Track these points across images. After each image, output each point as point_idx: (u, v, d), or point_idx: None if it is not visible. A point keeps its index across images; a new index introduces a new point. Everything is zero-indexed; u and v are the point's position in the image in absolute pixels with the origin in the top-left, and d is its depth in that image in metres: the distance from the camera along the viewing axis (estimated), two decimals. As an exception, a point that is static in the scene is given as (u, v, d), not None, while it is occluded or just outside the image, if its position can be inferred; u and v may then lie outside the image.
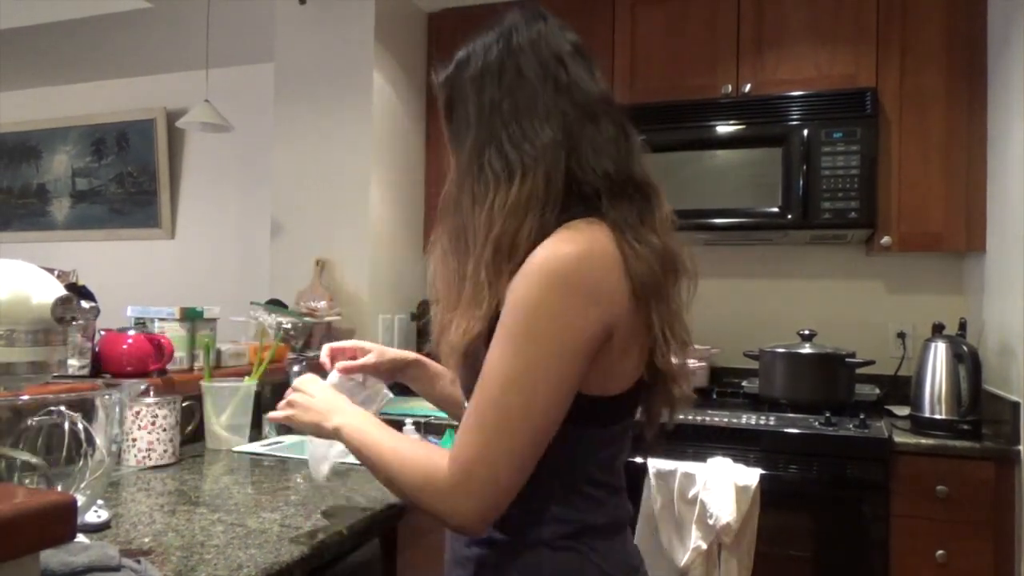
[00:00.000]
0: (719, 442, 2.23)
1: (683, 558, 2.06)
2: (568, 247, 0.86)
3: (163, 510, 1.27)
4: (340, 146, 2.79)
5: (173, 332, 1.86)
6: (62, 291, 1.01)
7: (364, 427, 1.00)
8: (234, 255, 3.80)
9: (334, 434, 1.03)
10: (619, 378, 0.92)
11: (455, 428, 0.92)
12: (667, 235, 0.95)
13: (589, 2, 2.80)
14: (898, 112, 2.45)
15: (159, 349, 1.77)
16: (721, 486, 2.05)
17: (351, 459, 1.07)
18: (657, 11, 2.72)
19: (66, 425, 0.94)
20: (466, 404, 0.92)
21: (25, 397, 0.96)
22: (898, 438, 2.12)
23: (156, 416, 1.59)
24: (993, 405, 2.21)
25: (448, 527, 0.90)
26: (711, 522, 2.02)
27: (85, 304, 1.49)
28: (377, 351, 1.27)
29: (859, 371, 2.45)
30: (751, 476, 2.07)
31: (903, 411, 2.40)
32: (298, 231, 2.84)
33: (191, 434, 1.77)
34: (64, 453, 0.94)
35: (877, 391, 2.52)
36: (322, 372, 1.25)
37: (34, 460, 0.87)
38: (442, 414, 1.36)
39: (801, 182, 2.43)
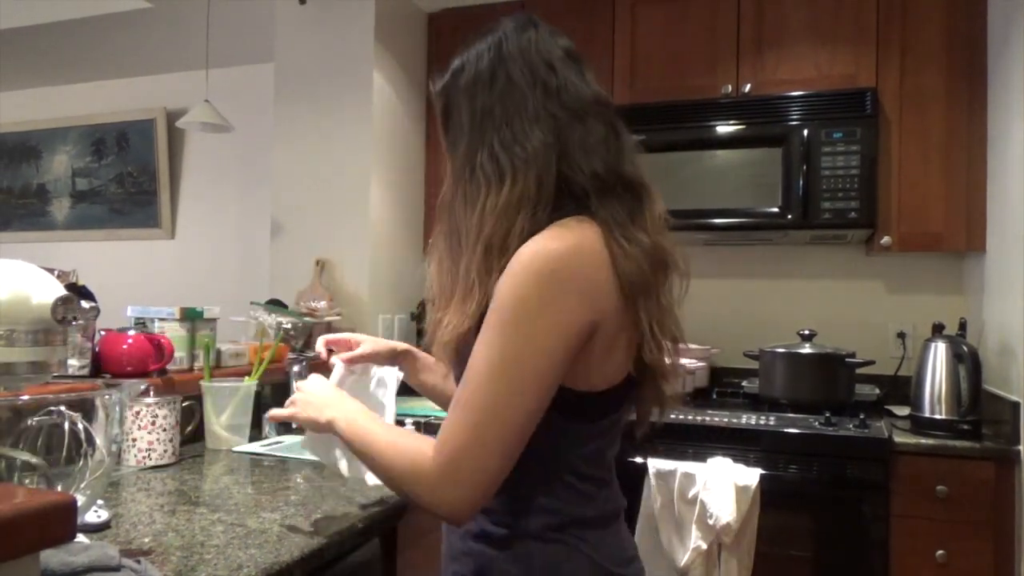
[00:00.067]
0: (719, 442, 2.23)
1: (683, 558, 2.06)
2: (555, 243, 0.88)
3: (163, 510, 1.27)
4: (340, 146, 2.79)
5: (173, 332, 1.86)
6: (62, 291, 1.01)
7: (356, 418, 1.02)
8: (234, 255, 3.80)
9: (328, 426, 1.05)
10: (606, 373, 0.93)
11: None
12: (658, 233, 0.97)
13: (589, 2, 2.80)
14: (898, 112, 2.45)
15: (159, 349, 1.77)
16: (721, 486, 2.05)
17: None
18: (657, 11, 2.72)
19: (66, 425, 0.94)
20: None
21: (25, 397, 0.96)
22: (898, 438, 2.12)
23: (156, 416, 1.59)
24: (993, 405, 2.21)
25: (436, 516, 0.92)
26: (711, 522, 2.02)
27: (85, 304, 1.49)
28: (370, 341, 1.29)
29: (859, 371, 2.45)
30: (751, 476, 2.07)
31: (903, 411, 2.40)
32: (298, 231, 2.84)
33: (191, 434, 1.77)
34: (64, 453, 0.94)
35: (877, 391, 2.52)
36: (326, 372, 1.25)
37: (34, 460, 0.87)
38: (443, 414, 1.36)
39: (801, 182, 2.43)
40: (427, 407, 2.36)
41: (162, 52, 3.69)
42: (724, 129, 2.53)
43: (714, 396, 2.75)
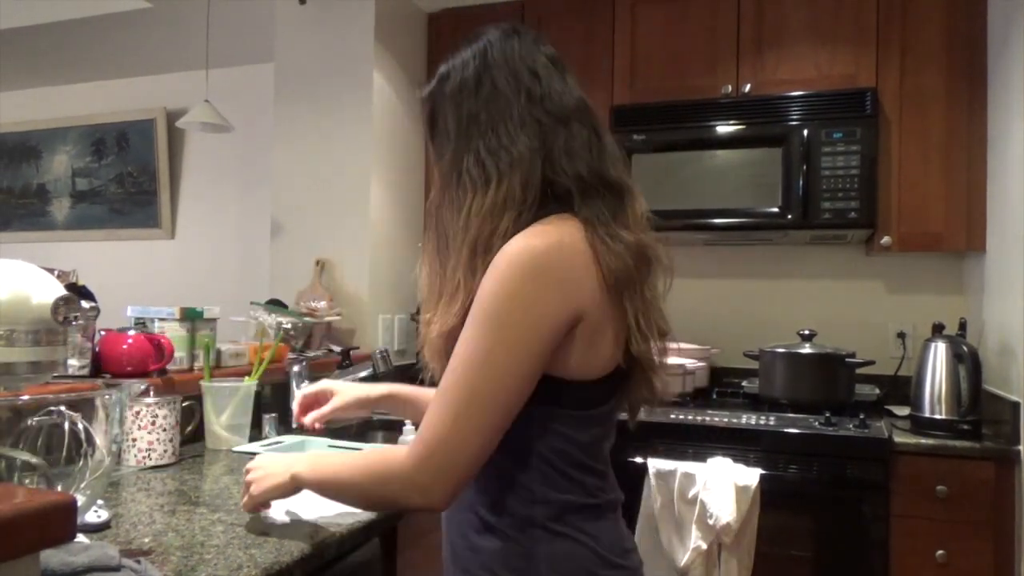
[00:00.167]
0: (719, 442, 2.23)
1: (683, 558, 2.06)
2: (536, 239, 0.92)
3: (163, 510, 1.27)
4: (340, 146, 2.79)
5: (173, 332, 1.85)
6: (62, 291, 1.01)
7: (318, 462, 1.08)
8: (234, 255, 3.79)
9: (293, 482, 1.07)
10: (596, 364, 0.96)
11: None
12: (641, 231, 1.01)
13: (589, 2, 2.80)
14: (898, 112, 2.45)
15: (159, 349, 1.77)
16: (721, 486, 2.05)
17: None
18: (657, 11, 2.72)
19: (66, 425, 0.94)
20: None
21: (25, 397, 0.96)
22: (898, 438, 2.12)
23: (156, 416, 1.59)
24: (993, 405, 2.21)
25: (411, 507, 0.96)
26: (711, 522, 2.02)
27: (85, 304, 1.49)
28: (342, 392, 1.35)
29: (859, 371, 2.45)
30: (751, 476, 2.07)
31: (903, 411, 2.40)
32: (298, 231, 2.84)
33: (191, 434, 1.77)
34: (64, 453, 0.94)
35: (877, 391, 2.52)
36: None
37: (34, 460, 0.87)
38: None
39: (801, 182, 2.43)
40: (427, 407, 2.36)
41: (162, 52, 3.69)
42: (724, 129, 2.53)
43: (714, 396, 2.75)
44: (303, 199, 2.84)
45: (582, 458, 0.97)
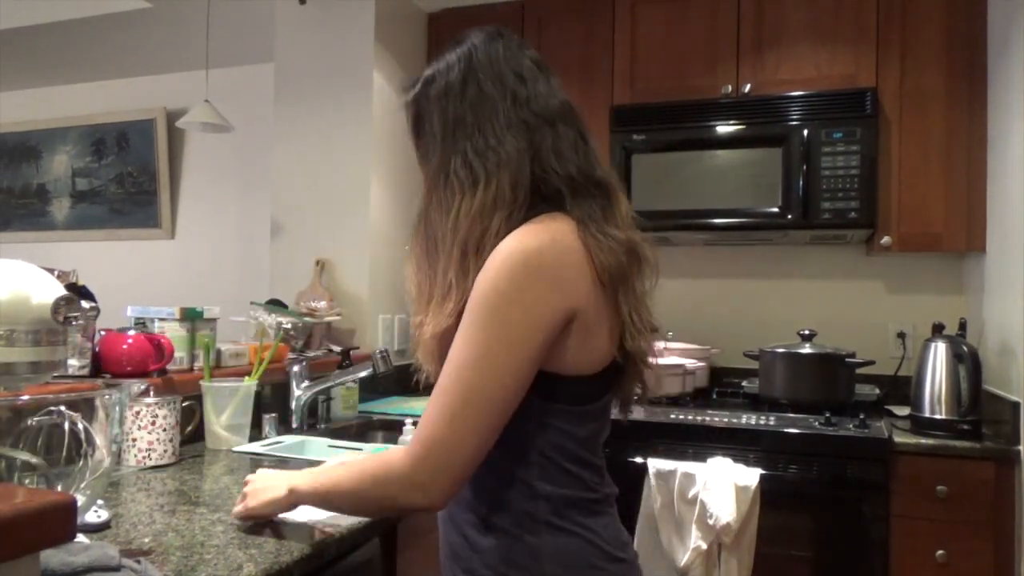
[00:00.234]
0: (719, 442, 2.23)
1: (683, 558, 2.06)
2: (529, 238, 0.93)
3: (163, 510, 1.27)
4: (340, 146, 2.79)
5: (173, 332, 1.86)
6: (62, 291, 1.01)
7: (317, 475, 1.08)
8: (234, 255, 3.79)
9: (290, 497, 1.09)
10: (591, 359, 0.97)
11: None
12: (628, 229, 1.02)
13: (589, 2, 2.80)
14: (898, 112, 2.45)
15: (159, 349, 1.77)
16: (721, 486, 2.05)
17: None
18: (657, 11, 2.72)
19: (66, 425, 0.94)
20: None
21: (25, 397, 0.95)
22: (898, 438, 2.12)
23: (156, 416, 1.59)
24: (993, 405, 2.21)
25: (409, 506, 0.96)
26: (711, 522, 2.02)
27: (85, 304, 1.49)
28: None
29: (859, 371, 2.45)
30: (751, 476, 2.07)
31: (903, 411, 2.40)
32: (298, 231, 2.84)
33: (191, 434, 1.77)
34: (64, 453, 0.94)
35: (877, 391, 2.52)
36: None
37: (34, 460, 0.87)
38: None
39: (801, 182, 2.43)
40: (427, 407, 2.36)
41: (162, 52, 3.69)
42: (724, 129, 2.53)
43: (714, 396, 2.75)
44: (303, 199, 2.84)
45: (580, 452, 0.98)
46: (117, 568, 0.87)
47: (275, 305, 2.53)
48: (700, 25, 2.66)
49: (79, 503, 0.77)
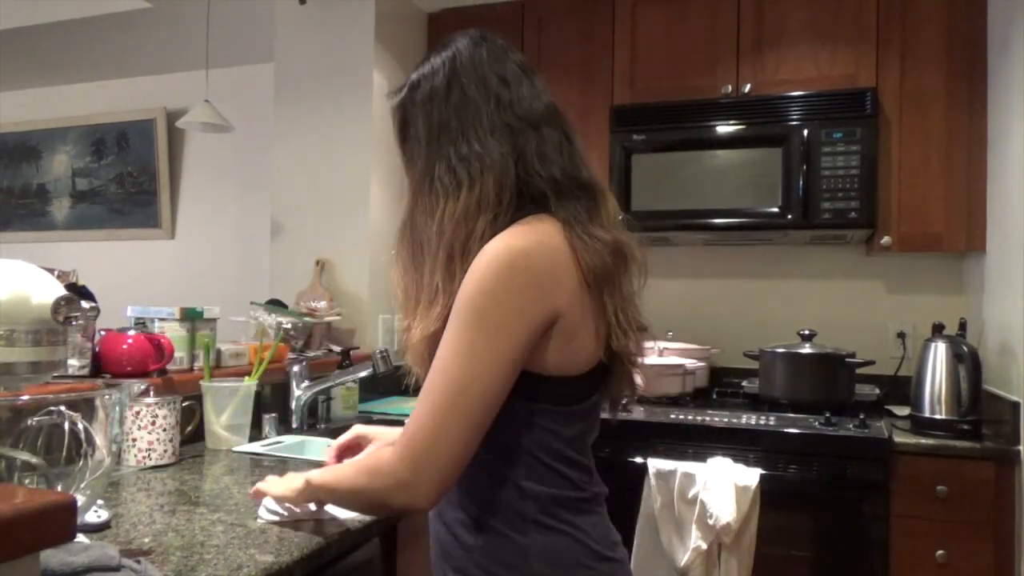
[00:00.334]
0: (719, 442, 2.23)
1: (683, 558, 2.06)
2: (515, 239, 0.93)
3: (163, 510, 1.27)
4: (340, 146, 2.79)
5: (173, 332, 1.86)
6: (62, 291, 1.01)
7: (330, 469, 1.13)
8: (234, 255, 3.79)
9: (305, 487, 1.11)
10: (577, 360, 0.97)
11: None
12: (616, 229, 1.02)
13: (589, 2, 2.80)
14: (898, 112, 2.45)
15: (159, 349, 1.77)
16: (721, 486, 2.05)
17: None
18: (657, 11, 2.72)
19: (66, 425, 0.94)
20: None
21: (25, 397, 0.95)
22: (898, 438, 2.12)
23: (156, 416, 1.59)
24: (993, 405, 2.21)
25: (397, 505, 0.96)
26: (711, 522, 2.02)
27: (85, 304, 1.49)
28: (380, 437, 1.33)
29: (859, 371, 2.45)
30: (751, 476, 2.07)
31: (903, 411, 2.40)
32: (298, 231, 2.84)
33: (191, 434, 1.77)
34: (64, 453, 0.94)
35: (877, 391, 2.52)
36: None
37: (34, 460, 0.87)
38: None
39: (801, 182, 2.43)
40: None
41: (162, 52, 3.68)
42: (724, 129, 2.53)
43: (714, 396, 2.75)
44: (303, 199, 2.84)
45: (567, 452, 0.99)
46: (117, 568, 0.87)
47: (275, 305, 2.53)
48: (700, 25, 2.66)
49: (79, 503, 0.77)
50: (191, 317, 1.91)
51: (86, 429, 0.95)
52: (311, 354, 2.36)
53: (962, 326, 2.34)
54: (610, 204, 1.04)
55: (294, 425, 2.16)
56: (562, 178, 1.00)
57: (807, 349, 2.46)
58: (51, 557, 0.81)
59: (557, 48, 2.82)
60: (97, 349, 1.71)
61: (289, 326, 2.39)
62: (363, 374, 2.20)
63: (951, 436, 2.13)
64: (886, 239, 2.45)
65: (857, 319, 2.78)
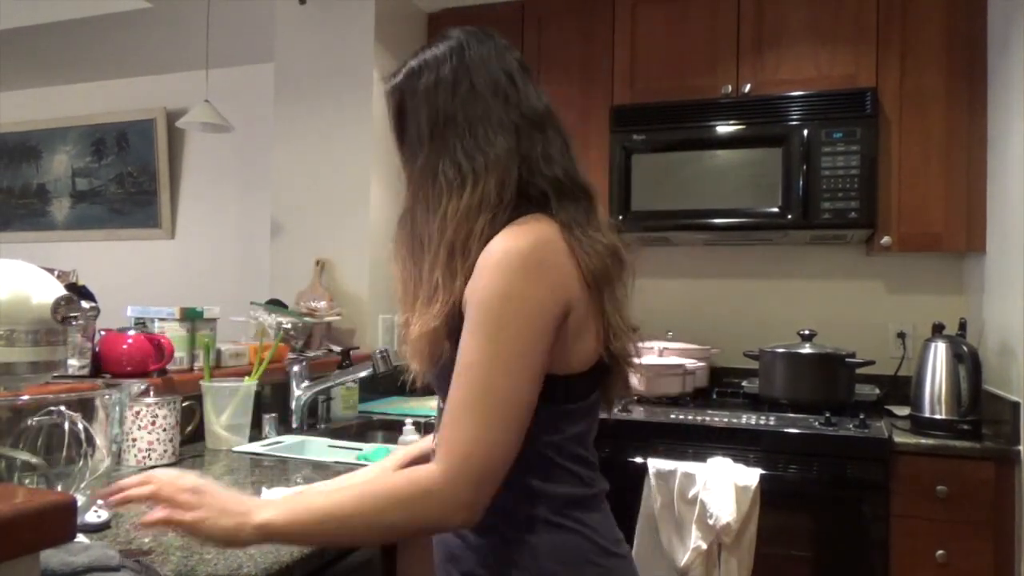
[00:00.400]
0: (719, 442, 2.23)
1: (683, 558, 2.06)
2: (521, 239, 0.93)
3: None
4: (340, 146, 2.79)
5: (173, 332, 1.86)
6: (62, 291, 1.01)
7: (296, 503, 0.91)
8: (234, 255, 3.79)
9: (258, 536, 0.87)
10: (581, 358, 0.98)
11: None
12: (610, 232, 1.03)
13: (589, 2, 2.80)
14: (898, 112, 2.45)
15: (159, 349, 1.77)
16: (721, 486, 2.05)
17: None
18: (657, 11, 2.72)
19: (66, 425, 0.94)
20: (440, 403, 0.99)
21: (25, 397, 0.95)
22: (898, 438, 2.12)
23: (156, 416, 1.59)
24: (993, 405, 2.21)
25: (452, 526, 0.92)
26: (711, 522, 2.02)
27: (85, 304, 1.49)
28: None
29: (859, 371, 2.45)
30: (751, 476, 2.07)
31: (903, 411, 2.40)
32: (298, 231, 2.84)
33: (191, 434, 1.77)
34: (64, 453, 0.94)
35: (877, 391, 2.52)
36: None
37: (34, 460, 0.87)
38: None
39: (801, 182, 2.43)
40: (427, 407, 2.36)
41: (162, 52, 3.69)
42: (724, 129, 2.53)
43: (714, 396, 2.75)
44: (303, 199, 2.84)
45: (575, 449, 0.99)
46: (117, 568, 0.87)
47: (275, 305, 2.53)
48: (700, 25, 2.66)
49: (79, 503, 0.77)
50: (191, 317, 1.91)
51: (86, 429, 0.95)
52: (311, 354, 2.36)
53: (962, 326, 2.34)
54: (600, 209, 1.05)
55: (294, 425, 2.16)
56: (564, 179, 1.01)
57: (807, 349, 2.46)
58: (51, 557, 0.81)
59: (557, 48, 2.82)
60: (97, 349, 1.71)
61: (289, 326, 2.39)
62: (363, 374, 2.20)
63: (951, 436, 2.13)
64: (886, 239, 2.45)
65: (857, 319, 2.78)
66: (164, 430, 1.61)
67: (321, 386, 2.19)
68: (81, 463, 0.95)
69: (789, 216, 2.45)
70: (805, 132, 2.43)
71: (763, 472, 2.09)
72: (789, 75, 2.56)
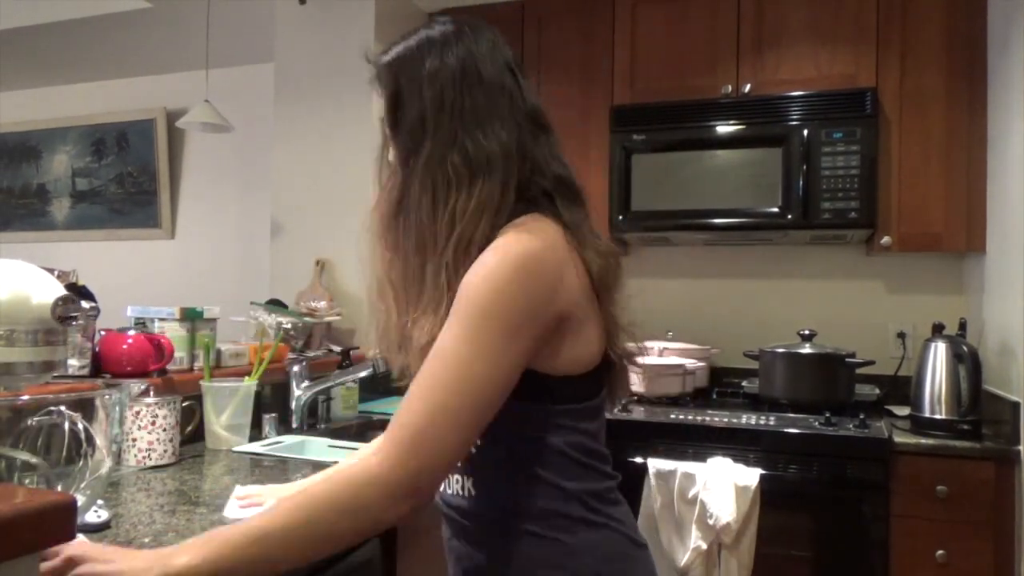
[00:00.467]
0: (719, 442, 2.23)
1: (683, 558, 2.06)
2: (527, 242, 0.91)
3: (163, 510, 1.27)
4: (340, 146, 2.79)
5: (173, 332, 1.85)
6: (62, 291, 1.01)
7: (212, 539, 0.82)
8: (234, 255, 3.79)
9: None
10: (585, 360, 0.97)
11: None
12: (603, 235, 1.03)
13: (589, 2, 2.80)
14: (898, 112, 2.45)
15: (159, 349, 1.77)
16: (721, 486, 2.05)
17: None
18: (657, 11, 2.72)
19: (66, 425, 0.94)
20: None
21: (25, 397, 0.95)
22: (898, 438, 2.12)
23: (156, 416, 1.59)
24: (993, 405, 2.21)
25: (401, 519, 0.86)
26: (711, 522, 2.02)
27: (85, 304, 1.49)
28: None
29: (859, 371, 2.45)
30: (751, 476, 2.07)
31: (903, 411, 2.40)
32: (298, 231, 2.84)
33: (191, 434, 1.77)
34: (64, 453, 0.94)
35: (877, 391, 2.52)
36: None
37: (34, 460, 0.87)
38: None
39: (801, 182, 2.43)
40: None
41: (162, 52, 3.69)
42: (724, 129, 2.53)
43: (714, 396, 2.75)
44: (303, 199, 2.84)
45: (593, 445, 0.99)
46: None
47: (275, 305, 2.53)
48: (700, 25, 2.66)
49: (79, 503, 0.77)
50: (191, 317, 1.91)
51: (86, 429, 0.95)
52: (311, 354, 2.36)
53: (962, 326, 2.34)
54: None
55: (294, 425, 2.16)
56: (566, 179, 1.00)
57: (807, 349, 2.46)
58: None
59: (557, 48, 2.82)
60: (97, 349, 1.71)
61: (289, 326, 2.39)
62: (363, 374, 2.20)
63: (951, 436, 2.13)
64: (886, 239, 2.45)
65: (857, 319, 2.78)
66: (164, 430, 1.61)
67: (321, 386, 2.19)
68: (81, 463, 0.95)
69: (789, 216, 2.45)
70: (805, 132, 2.43)
71: (763, 472, 2.09)
72: (789, 75, 2.56)
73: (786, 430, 2.19)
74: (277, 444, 1.90)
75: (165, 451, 1.61)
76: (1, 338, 0.96)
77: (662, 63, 2.70)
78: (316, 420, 2.25)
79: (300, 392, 2.17)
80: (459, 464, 0.98)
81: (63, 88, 4.27)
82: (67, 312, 1.00)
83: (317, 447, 1.96)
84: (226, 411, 1.81)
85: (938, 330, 2.29)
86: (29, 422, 0.91)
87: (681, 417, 2.32)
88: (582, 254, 0.95)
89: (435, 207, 0.95)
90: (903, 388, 2.49)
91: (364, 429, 2.29)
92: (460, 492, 1.00)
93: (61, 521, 0.65)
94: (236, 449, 1.80)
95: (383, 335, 1.03)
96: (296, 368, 2.18)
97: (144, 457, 1.58)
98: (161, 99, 3.97)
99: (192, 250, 3.94)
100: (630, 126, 2.61)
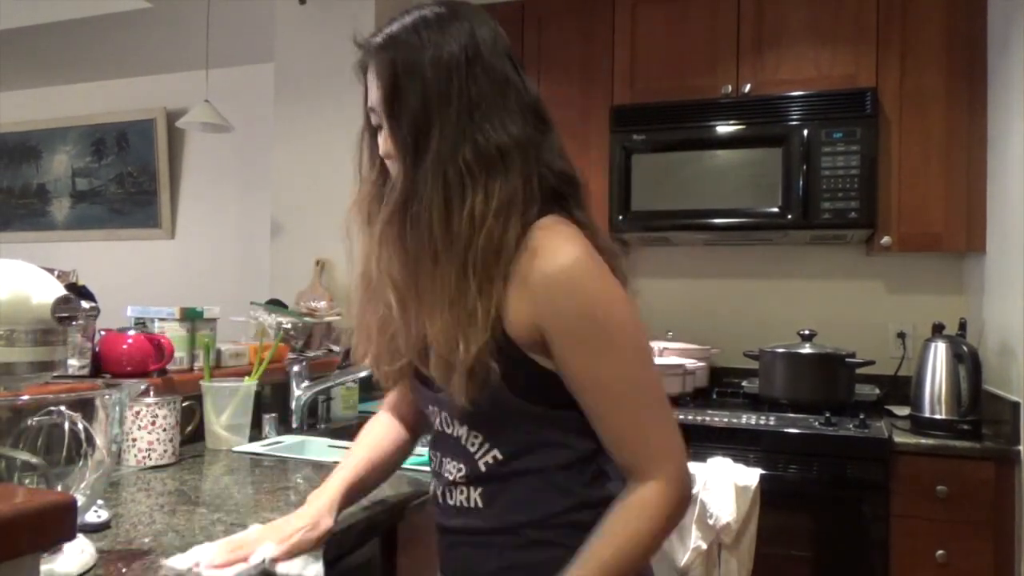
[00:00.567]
0: (719, 442, 2.23)
1: (683, 558, 2.06)
2: (575, 246, 0.89)
3: (163, 510, 1.27)
4: (340, 146, 2.76)
5: (173, 332, 1.85)
6: (62, 291, 1.01)
7: None
8: (234, 255, 3.80)
9: None
10: None
11: None
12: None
13: (589, 2, 2.80)
14: (898, 112, 2.45)
15: (159, 349, 1.77)
16: (721, 486, 2.05)
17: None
18: (657, 11, 2.72)
19: (66, 425, 0.94)
20: (450, 421, 0.98)
21: (25, 397, 0.95)
22: (898, 438, 2.12)
23: (156, 416, 1.59)
24: (993, 405, 2.21)
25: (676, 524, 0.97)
26: (711, 522, 2.02)
27: (85, 304, 1.49)
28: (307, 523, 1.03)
29: (859, 371, 2.45)
30: (751, 476, 2.06)
31: (903, 411, 2.41)
32: (298, 231, 2.84)
33: (191, 434, 1.76)
34: (64, 453, 0.94)
35: (877, 391, 2.52)
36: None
37: (34, 460, 0.87)
38: None
39: (801, 182, 2.43)
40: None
41: (162, 52, 3.69)
42: (724, 129, 2.53)
43: (714, 396, 2.75)
44: (303, 199, 2.84)
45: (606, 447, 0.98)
46: None
47: (275, 305, 2.53)
48: (700, 25, 2.66)
49: (79, 503, 0.77)
50: (191, 317, 1.91)
51: (86, 429, 0.95)
52: (311, 354, 2.36)
53: (962, 326, 2.34)
54: None
55: (294, 425, 2.15)
56: (573, 177, 0.96)
57: (807, 349, 2.46)
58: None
59: (557, 48, 2.82)
60: (97, 349, 1.71)
61: (289, 326, 2.39)
62: (363, 374, 2.20)
63: (951, 436, 2.13)
64: (886, 239, 2.45)
65: (857, 319, 2.78)
66: (164, 430, 1.60)
67: (321, 386, 2.19)
68: (81, 463, 0.95)
69: (789, 216, 2.45)
70: (805, 132, 2.43)
71: (763, 472, 2.09)
72: (789, 75, 2.56)
73: (786, 430, 2.19)
74: (277, 444, 1.89)
75: (165, 451, 1.61)
76: (1, 338, 0.96)
77: (662, 63, 2.70)
78: (316, 420, 2.25)
79: (300, 392, 2.17)
80: (463, 477, 0.97)
81: (63, 88, 4.28)
82: (67, 312, 1.00)
83: (317, 447, 1.95)
84: (226, 411, 1.81)
85: (938, 330, 2.29)
86: (29, 422, 0.91)
87: (681, 417, 2.32)
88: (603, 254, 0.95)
89: (449, 208, 0.87)
90: (903, 388, 2.50)
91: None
92: (466, 504, 0.98)
93: (61, 521, 0.65)
94: (236, 449, 1.80)
95: (376, 338, 1.00)
96: (296, 368, 2.17)
97: (144, 457, 1.58)
98: (161, 99, 3.98)
99: (192, 250, 3.94)
100: (630, 126, 2.61)
